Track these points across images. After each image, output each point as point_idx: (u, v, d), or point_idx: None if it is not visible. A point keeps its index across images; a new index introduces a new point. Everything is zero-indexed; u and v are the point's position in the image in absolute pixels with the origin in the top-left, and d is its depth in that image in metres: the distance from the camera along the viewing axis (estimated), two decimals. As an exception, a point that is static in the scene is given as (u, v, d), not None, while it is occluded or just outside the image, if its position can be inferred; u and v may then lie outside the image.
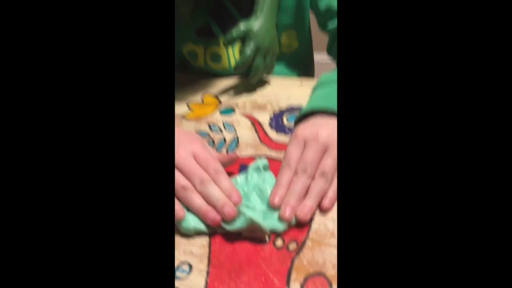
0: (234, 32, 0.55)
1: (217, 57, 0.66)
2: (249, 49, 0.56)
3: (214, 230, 0.38)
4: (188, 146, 0.41)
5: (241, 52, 0.56)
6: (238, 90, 0.64)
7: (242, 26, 0.55)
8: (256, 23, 0.56)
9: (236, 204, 0.37)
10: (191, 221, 0.38)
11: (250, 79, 0.60)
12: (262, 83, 0.63)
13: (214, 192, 0.38)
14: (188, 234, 0.38)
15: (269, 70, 0.61)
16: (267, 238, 0.37)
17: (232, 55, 0.66)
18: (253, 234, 0.37)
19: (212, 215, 0.37)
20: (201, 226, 0.38)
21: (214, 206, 0.37)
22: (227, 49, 0.65)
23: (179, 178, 0.39)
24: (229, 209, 0.37)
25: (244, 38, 0.56)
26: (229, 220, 0.37)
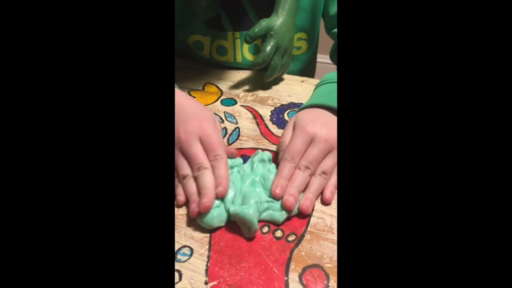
0: (257, 28, 0.55)
1: (223, 50, 0.66)
2: (269, 47, 0.55)
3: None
4: (196, 126, 0.41)
5: (262, 49, 0.56)
6: (240, 82, 0.64)
7: (264, 23, 0.55)
8: (278, 21, 0.56)
9: (218, 195, 0.37)
10: (215, 218, 0.37)
11: (266, 77, 0.59)
12: (273, 80, 0.62)
13: (204, 180, 0.38)
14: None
15: (285, 70, 0.61)
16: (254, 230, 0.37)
17: (239, 49, 0.65)
18: (243, 226, 0.37)
19: (192, 207, 0.37)
20: (223, 223, 0.38)
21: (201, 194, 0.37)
22: (234, 44, 0.65)
23: (181, 166, 0.40)
24: (205, 201, 0.36)
25: (265, 35, 0.55)
26: (204, 211, 0.36)
